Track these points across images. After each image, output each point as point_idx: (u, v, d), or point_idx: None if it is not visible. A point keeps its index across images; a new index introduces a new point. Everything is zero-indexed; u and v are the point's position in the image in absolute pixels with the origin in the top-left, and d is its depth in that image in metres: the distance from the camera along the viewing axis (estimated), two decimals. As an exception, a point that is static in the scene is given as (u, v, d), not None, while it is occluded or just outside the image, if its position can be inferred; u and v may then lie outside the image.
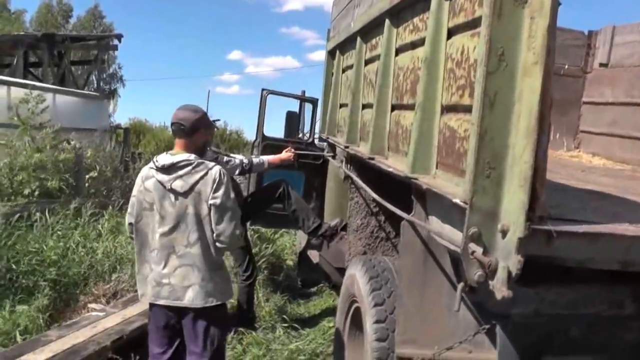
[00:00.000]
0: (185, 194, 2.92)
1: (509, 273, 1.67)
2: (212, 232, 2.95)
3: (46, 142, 7.90)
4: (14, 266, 5.17)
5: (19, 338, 4.28)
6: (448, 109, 2.22)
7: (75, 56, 20.94)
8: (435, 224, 2.30)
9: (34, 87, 9.25)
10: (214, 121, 4.55)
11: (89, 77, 20.74)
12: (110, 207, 7.52)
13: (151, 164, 3.02)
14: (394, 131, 2.99)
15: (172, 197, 2.94)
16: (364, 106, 3.75)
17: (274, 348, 4.61)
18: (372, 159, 3.16)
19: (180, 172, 2.93)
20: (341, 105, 4.71)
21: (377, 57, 3.29)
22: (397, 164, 2.79)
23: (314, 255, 5.58)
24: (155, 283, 3.01)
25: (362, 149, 3.53)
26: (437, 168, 2.33)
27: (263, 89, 5.90)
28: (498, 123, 1.73)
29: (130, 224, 3.10)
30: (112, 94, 26.25)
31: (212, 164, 3.01)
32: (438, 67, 2.30)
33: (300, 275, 6.55)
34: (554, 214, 1.75)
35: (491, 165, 1.76)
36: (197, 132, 3.00)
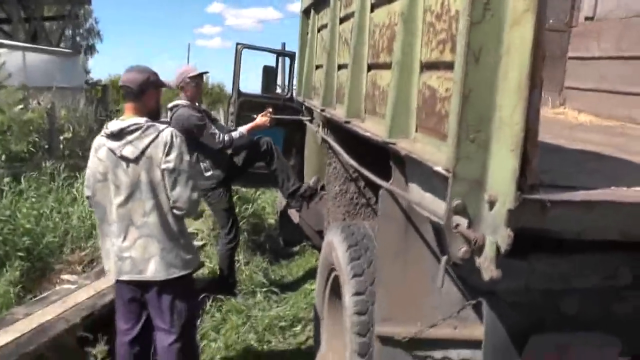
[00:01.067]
0: (137, 160, 2.79)
1: (498, 249, 1.49)
2: (168, 198, 2.83)
3: (9, 102, 7.52)
4: (-18, 237, 4.95)
5: (-11, 314, 4.09)
6: (428, 66, 2.01)
7: (50, 12, 19.96)
8: (416, 193, 2.11)
9: (0, 45, 8.83)
10: (202, 73, 4.63)
11: (63, 33, 19.81)
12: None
13: (102, 132, 2.86)
14: (371, 92, 2.79)
15: (123, 164, 2.80)
16: (340, 67, 3.54)
17: (254, 315, 4.48)
18: (348, 122, 2.97)
19: (130, 137, 2.79)
20: (317, 67, 4.49)
21: (352, 14, 3.06)
22: (374, 128, 2.59)
23: (294, 216, 5.47)
24: (117, 258, 2.89)
25: (338, 112, 3.33)
26: (416, 131, 2.13)
27: (237, 44, 5.68)
28: (484, 80, 1.53)
29: (87, 197, 2.97)
30: (89, 49, 25.43)
31: (163, 126, 2.88)
32: (416, 21, 2.07)
33: (281, 234, 6.42)
34: (547, 180, 1.57)
35: (476, 128, 1.56)
36: (146, 93, 2.86)
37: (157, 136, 2.82)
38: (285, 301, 4.86)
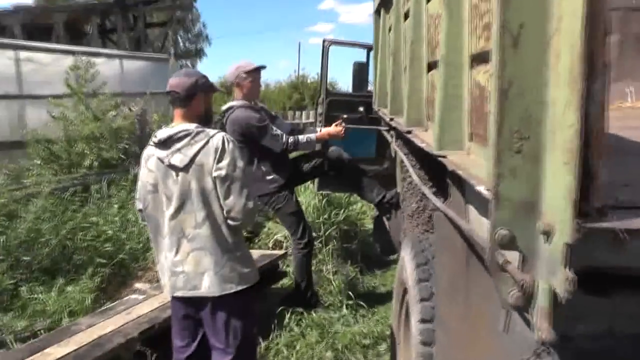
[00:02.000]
0: (186, 168, 2.66)
1: (555, 296, 1.10)
2: (222, 208, 2.69)
3: (102, 110, 7.70)
4: (68, 242, 5.03)
5: (64, 321, 4.12)
6: (475, 59, 1.65)
7: (158, 18, 20.75)
8: (474, 217, 1.76)
9: (98, 54, 9.17)
10: (259, 68, 4.34)
11: (166, 39, 20.54)
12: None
13: (151, 141, 2.77)
14: (432, 96, 2.45)
15: (173, 174, 2.68)
16: (405, 69, 3.23)
17: (335, 330, 4.18)
18: (409, 132, 2.69)
19: (179, 145, 2.67)
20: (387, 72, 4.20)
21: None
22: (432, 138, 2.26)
23: (386, 223, 5.20)
24: (170, 273, 2.77)
25: (402, 121, 3.05)
26: (470, 140, 1.77)
27: (324, 40, 5.51)
28: (527, 69, 1.15)
29: (140, 210, 2.86)
30: (197, 53, 26.26)
31: (215, 131, 2.73)
32: (461, 5, 1.73)
33: (377, 241, 6.04)
34: (625, 199, 1.16)
35: (522, 133, 1.17)
36: (194, 98, 2.73)
37: (207, 142, 2.68)
38: (373, 316, 4.53)
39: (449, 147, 1.86)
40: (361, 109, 4.97)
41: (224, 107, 4.38)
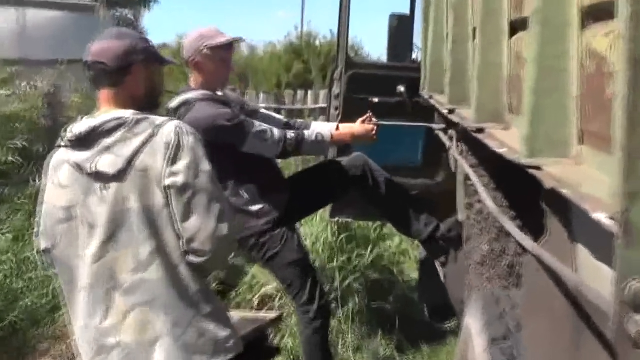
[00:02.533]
0: (121, 176, 2.65)
1: None
2: (178, 237, 2.66)
3: None
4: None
5: None
6: (589, 14, 1.64)
7: None
8: (587, 262, 1.75)
9: None
10: (233, 42, 4.30)
11: None
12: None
13: (60, 140, 2.78)
14: (517, 73, 2.48)
15: (98, 187, 2.67)
16: (475, 32, 3.27)
17: None
18: (481, 130, 2.71)
19: (107, 141, 2.66)
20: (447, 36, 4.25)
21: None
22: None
23: (440, 270, 5.16)
24: (97, 347, 2.72)
25: (469, 113, 3.09)
26: (581, 143, 1.77)
27: None
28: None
29: (44, 250, 2.83)
30: (145, 2, 26.43)
31: (164, 119, 2.74)
32: None
33: (424, 299, 6.08)
34: None
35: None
36: (130, 72, 2.74)
37: (153, 135, 2.67)
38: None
39: (546, 153, 1.84)
40: (402, 88, 4.98)
41: (174, 103, 4.26)
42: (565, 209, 1.91)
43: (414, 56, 5.94)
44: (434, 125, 4.91)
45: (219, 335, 2.74)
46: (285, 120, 4.75)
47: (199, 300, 2.74)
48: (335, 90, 5.66)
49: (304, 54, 20.15)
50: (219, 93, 4.35)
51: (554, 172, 1.74)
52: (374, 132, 4.50)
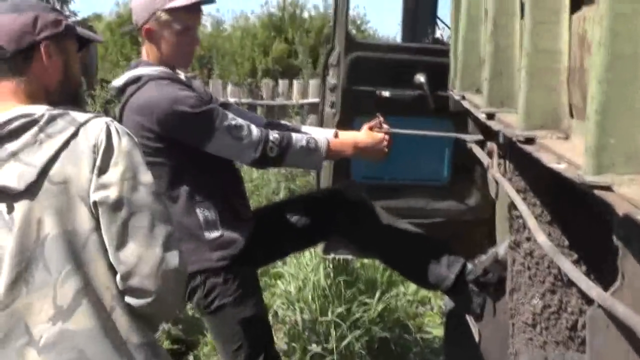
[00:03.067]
0: (32, 192, 2.66)
1: None
2: (112, 271, 2.70)
3: None
4: None
5: None
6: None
7: None
8: None
9: None
10: (199, 2, 4.26)
11: None
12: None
13: None
14: (578, 64, 2.60)
15: (0, 209, 2.67)
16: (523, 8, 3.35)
17: None
18: (531, 140, 2.77)
19: (11, 146, 2.67)
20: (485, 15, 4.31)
21: None
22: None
23: (473, 327, 5.25)
24: None
25: (514, 120, 3.15)
26: None
27: None
28: None
29: None
30: None
31: (89, 115, 2.76)
32: None
33: None
34: None
35: None
36: (35, 55, 2.78)
37: (74, 135, 2.70)
38: None
39: (620, 169, 1.91)
40: (421, 78, 5.08)
41: (120, 80, 4.27)
42: None
43: (437, 34, 6.01)
44: (466, 136, 4.96)
45: None
46: (265, 119, 4.77)
47: (144, 356, 2.76)
48: (331, 80, 5.70)
49: (287, 31, 20.16)
50: (180, 74, 4.36)
51: (629, 193, 1.80)
52: (385, 143, 4.52)
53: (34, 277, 2.67)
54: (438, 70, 5.31)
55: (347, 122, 4.76)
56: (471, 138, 4.86)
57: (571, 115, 2.70)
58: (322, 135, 4.45)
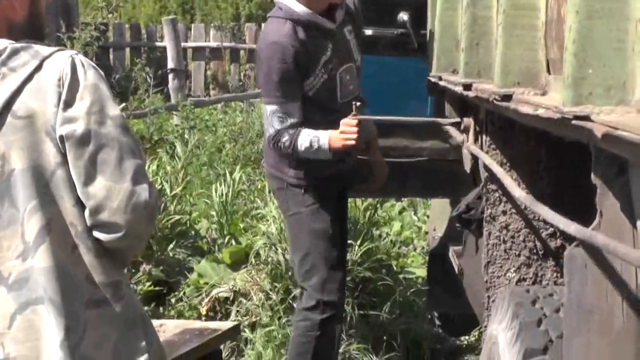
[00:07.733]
0: None
1: None
2: (81, 205, 2.66)
3: None
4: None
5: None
6: None
7: None
8: None
9: None
10: None
11: None
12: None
13: None
14: (557, 19, 2.61)
15: None
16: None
17: None
18: (509, 97, 2.79)
19: None
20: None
21: None
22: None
23: (456, 263, 5.30)
24: None
25: (490, 87, 3.18)
26: None
27: None
28: None
29: None
30: None
31: (53, 49, 2.71)
32: None
33: (433, 305, 6.26)
34: None
35: None
36: None
37: (38, 68, 2.68)
38: None
39: (599, 100, 1.92)
40: (405, 17, 5.11)
41: None
42: (618, 176, 2.01)
43: None
44: (442, 120, 5.01)
45: (138, 345, 2.78)
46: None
47: (111, 297, 2.74)
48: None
49: None
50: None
51: (609, 122, 1.80)
52: (352, 137, 4.62)
53: (1, 213, 2.68)
54: (422, 9, 5.32)
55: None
56: (447, 121, 4.90)
57: (548, 72, 2.72)
58: (325, 140, 4.65)
